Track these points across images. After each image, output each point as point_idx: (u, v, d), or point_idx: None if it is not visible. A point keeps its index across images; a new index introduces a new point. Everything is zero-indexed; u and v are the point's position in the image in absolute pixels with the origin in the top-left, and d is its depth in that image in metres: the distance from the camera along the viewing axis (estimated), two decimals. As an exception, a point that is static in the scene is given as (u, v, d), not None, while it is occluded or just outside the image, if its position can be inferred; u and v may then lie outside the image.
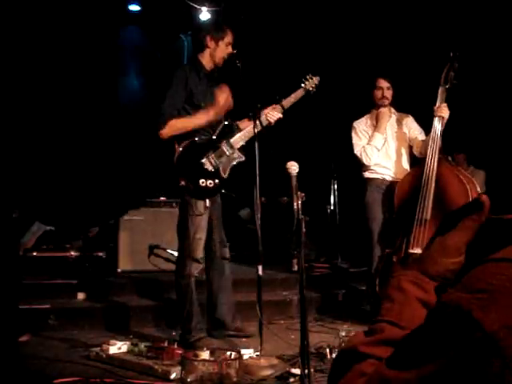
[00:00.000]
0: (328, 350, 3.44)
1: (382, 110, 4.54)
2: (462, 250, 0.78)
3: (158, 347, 3.38)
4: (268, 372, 3.22)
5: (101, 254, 5.35)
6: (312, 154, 6.24)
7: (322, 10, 6.43)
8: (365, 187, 4.55)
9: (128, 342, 3.53)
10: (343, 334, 3.48)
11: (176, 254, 5.11)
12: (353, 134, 4.62)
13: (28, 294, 4.23)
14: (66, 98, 6.54)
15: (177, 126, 3.66)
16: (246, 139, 3.81)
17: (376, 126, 4.55)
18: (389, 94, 4.53)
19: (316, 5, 6.41)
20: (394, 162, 4.51)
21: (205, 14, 7.24)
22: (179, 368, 3.02)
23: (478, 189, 3.64)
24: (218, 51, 3.81)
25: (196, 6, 7.09)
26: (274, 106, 3.88)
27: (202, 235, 3.73)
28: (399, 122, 4.58)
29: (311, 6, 6.43)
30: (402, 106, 4.68)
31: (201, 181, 3.67)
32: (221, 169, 3.73)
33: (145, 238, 5.18)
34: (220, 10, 7.14)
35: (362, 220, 4.57)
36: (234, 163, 3.80)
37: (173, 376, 3.08)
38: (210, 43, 3.82)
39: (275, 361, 3.37)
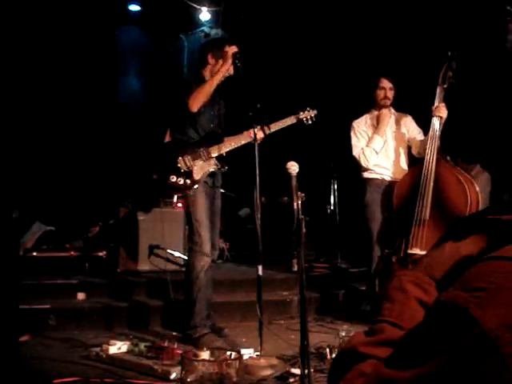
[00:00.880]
0: (328, 349, 3.43)
1: (384, 111, 4.53)
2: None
3: (158, 347, 3.39)
4: (268, 372, 3.22)
5: (101, 254, 5.35)
6: (312, 154, 6.24)
7: (321, 9, 6.43)
8: (364, 187, 4.55)
9: (128, 342, 3.54)
10: (343, 333, 3.48)
11: (176, 254, 5.14)
12: (352, 135, 4.62)
13: (28, 294, 4.23)
14: (66, 97, 6.54)
15: (199, 89, 3.83)
16: (227, 149, 4.00)
17: (376, 127, 4.55)
18: (391, 94, 4.53)
19: (314, 3, 6.41)
20: (392, 163, 4.51)
21: (205, 14, 7.24)
22: (179, 368, 3.02)
23: (478, 188, 3.64)
24: (216, 68, 3.95)
25: (196, 6, 7.10)
26: (261, 127, 3.94)
27: (206, 229, 3.88)
28: (398, 122, 4.58)
29: (310, 5, 6.43)
30: (399, 105, 4.68)
31: (171, 177, 3.88)
32: (194, 170, 3.91)
33: (145, 238, 5.19)
34: (220, 10, 7.14)
35: (362, 220, 4.57)
36: (211, 169, 3.98)
37: (173, 376, 3.08)
38: (211, 60, 3.99)
39: (275, 361, 3.37)
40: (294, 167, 2.90)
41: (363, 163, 4.50)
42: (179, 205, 5.30)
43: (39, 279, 4.64)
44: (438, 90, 3.93)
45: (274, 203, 6.20)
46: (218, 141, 4.03)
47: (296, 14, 6.51)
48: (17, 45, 5.74)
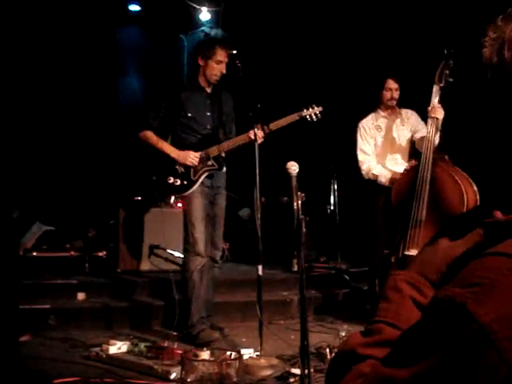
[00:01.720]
0: (328, 349, 3.44)
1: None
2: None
3: (158, 347, 3.39)
4: (268, 372, 3.23)
5: (101, 254, 5.35)
6: (312, 154, 6.24)
7: (320, 9, 6.43)
8: (371, 191, 4.53)
9: (128, 342, 3.54)
10: (343, 334, 3.48)
11: (176, 254, 5.14)
12: (358, 136, 4.61)
13: (28, 294, 4.23)
14: (66, 98, 6.54)
15: (150, 140, 4.04)
16: (225, 150, 4.03)
17: (382, 129, 4.56)
18: (397, 94, 4.55)
19: (315, 3, 6.41)
20: (399, 165, 4.51)
21: (205, 14, 7.24)
22: (179, 368, 3.02)
23: (476, 188, 3.61)
24: (207, 69, 4.01)
25: (196, 6, 7.09)
26: (261, 126, 3.94)
27: (199, 230, 3.91)
28: (404, 123, 4.58)
29: (311, 5, 6.43)
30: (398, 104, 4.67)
31: (169, 178, 3.96)
32: (191, 172, 3.97)
33: (145, 238, 5.19)
34: (220, 10, 7.14)
35: (370, 223, 4.56)
36: (209, 170, 4.01)
37: (173, 376, 3.08)
38: (201, 61, 4.03)
39: (275, 361, 3.37)
40: (294, 167, 2.90)
41: (366, 176, 4.52)
42: (179, 205, 5.29)
43: (39, 279, 4.64)
44: (434, 89, 3.89)
45: (274, 203, 6.20)
46: (216, 142, 4.04)
47: (295, 13, 6.51)
48: (17, 45, 5.74)
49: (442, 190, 3.65)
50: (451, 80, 3.81)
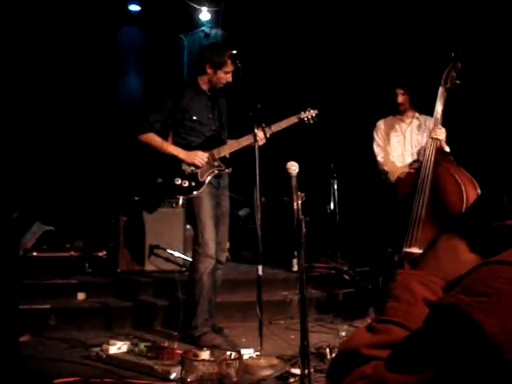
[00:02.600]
0: (328, 349, 3.44)
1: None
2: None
3: (158, 347, 3.39)
4: (268, 372, 3.22)
5: (101, 254, 5.35)
6: (312, 154, 6.24)
7: (321, 8, 6.43)
8: (386, 193, 4.53)
9: (128, 342, 3.54)
10: (343, 333, 3.48)
11: (176, 254, 5.14)
12: (374, 133, 4.67)
13: (28, 294, 4.23)
14: (66, 98, 6.53)
15: (153, 142, 3.97)
16: (230, 151, 4.03)
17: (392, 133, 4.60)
18: (403, 99, 4.57)
19: (315, 4, 6.41)
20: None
21: (205, 14, 7.24)
22: (179, 368, 3.02)
23: (478, 190, 3.62)
24: (215, 78, 3.99)
25: (196, 6, 7.09)
26: (262, 127, 3.92)
27: (210, 231, 3.89)
28: (420, 127, 4.60)
29: (309, 5, 6.43)
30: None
31: (176, 179, 3.91)
32: (199, 173, 3.94)
33: (145, 238, 5.18)
34: (220, 10, 7.14)
35: (377, 220, 4.57)
36: (216, 171, 4.00)
37: (173, 376, 3.08)
38: (209, 70, 3.98)
39: (275, 361, 3.37)
40: (293, 167, 2.90)
41: (380, 168, 4.56)
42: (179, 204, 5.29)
43: (39, 279, 4.64)
44: (440, 91, 3.90)
45: (274, 203, 6.19)
46: (221, 143, 4.04)
47: (295, 13, 6.51)
48: (17, 45, 5.74)
49: (442, 189, 3.66)
50: (458, 82, 3.81)
